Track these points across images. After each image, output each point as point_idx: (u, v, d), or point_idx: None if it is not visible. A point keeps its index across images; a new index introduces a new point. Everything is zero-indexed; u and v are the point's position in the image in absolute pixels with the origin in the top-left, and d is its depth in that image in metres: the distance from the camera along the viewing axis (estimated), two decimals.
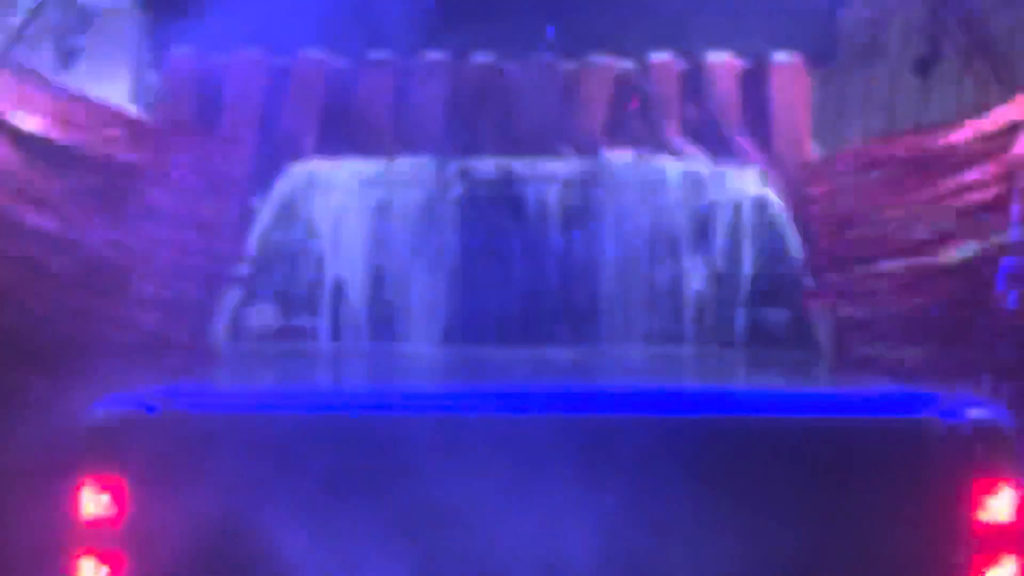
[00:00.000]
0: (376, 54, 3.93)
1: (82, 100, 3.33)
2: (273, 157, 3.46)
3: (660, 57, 3.92)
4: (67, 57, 4.29)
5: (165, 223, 3.15)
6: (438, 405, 1.78)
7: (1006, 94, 3.13)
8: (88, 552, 1.53)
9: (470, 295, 2.90)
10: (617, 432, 1.61)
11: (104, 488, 1.51)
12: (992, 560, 1.61)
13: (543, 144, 3.70)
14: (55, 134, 3.01)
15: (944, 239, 2.87)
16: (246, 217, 3.14)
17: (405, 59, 3.95)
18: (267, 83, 3.89)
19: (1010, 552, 1.62)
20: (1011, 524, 1.62)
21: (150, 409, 1.58)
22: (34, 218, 2.80)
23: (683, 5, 3.76)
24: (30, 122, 2.94)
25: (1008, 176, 2.65)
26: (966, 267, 2.77)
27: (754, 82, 3.86)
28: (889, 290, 2.99)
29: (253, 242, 2.95)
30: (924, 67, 4.28)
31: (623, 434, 1.60)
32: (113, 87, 4.35)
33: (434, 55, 3.90)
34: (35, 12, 3.84)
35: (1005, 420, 1.69)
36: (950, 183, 2.94)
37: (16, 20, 3.82)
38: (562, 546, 1.49)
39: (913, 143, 3.17)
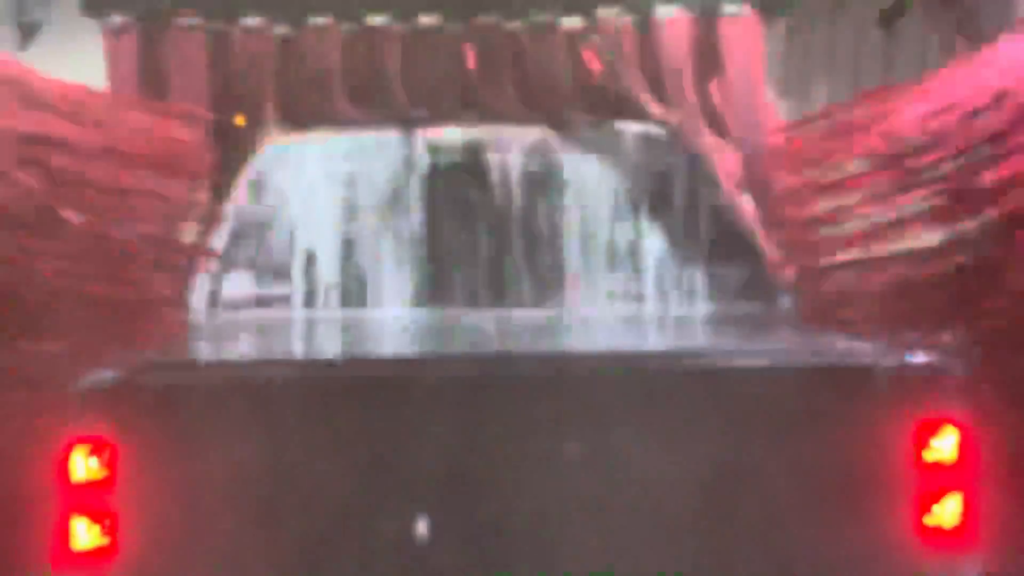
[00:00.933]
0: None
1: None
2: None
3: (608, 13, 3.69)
4: (28, 32, 4.12)
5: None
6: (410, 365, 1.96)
7: (972, 51, 3.08)
8: (80, 512, 1.60)
9: (438, 260, 2.99)
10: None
11: (94, 452, 1.58)
12: (937, 497, 1.71)
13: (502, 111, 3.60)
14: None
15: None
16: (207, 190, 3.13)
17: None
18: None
19: (954, 489, 1.72)
20: (955, 463, 1.72)
21: (138, 375, 1.65)
22: None
23: None
24: None
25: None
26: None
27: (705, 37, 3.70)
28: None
29: (228, 214, 3.00)
30: (888, 21, 4.25)
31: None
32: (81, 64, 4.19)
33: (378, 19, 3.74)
34: None
35: (947, 363, 1.78)
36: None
37: None
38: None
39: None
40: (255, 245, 3.04)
